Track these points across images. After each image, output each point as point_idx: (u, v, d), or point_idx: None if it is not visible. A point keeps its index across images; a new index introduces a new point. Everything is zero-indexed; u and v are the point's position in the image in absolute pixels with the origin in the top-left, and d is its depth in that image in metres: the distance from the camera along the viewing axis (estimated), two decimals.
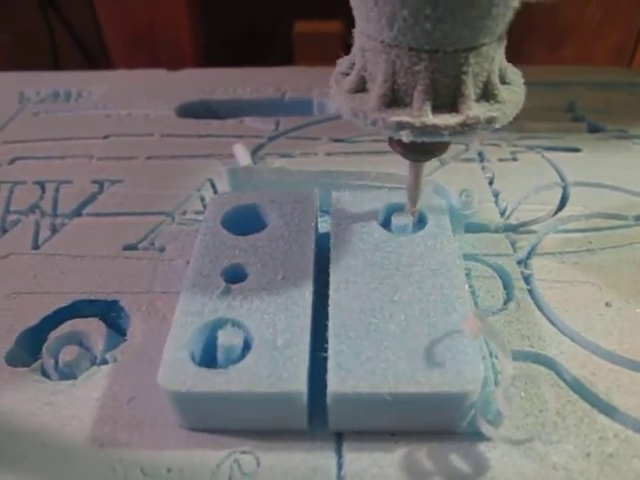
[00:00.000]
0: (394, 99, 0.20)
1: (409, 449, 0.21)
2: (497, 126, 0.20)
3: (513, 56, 0.21)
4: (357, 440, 0.21)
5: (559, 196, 0.33)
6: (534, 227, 0.31)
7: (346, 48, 0.22)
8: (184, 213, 0.33)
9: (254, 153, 0.38)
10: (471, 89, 0.20)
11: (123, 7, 0.84)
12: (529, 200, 0.33)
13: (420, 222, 0.27)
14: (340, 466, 0.20)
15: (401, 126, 0.19)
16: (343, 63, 0.22)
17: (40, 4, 0.92)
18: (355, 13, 0.20)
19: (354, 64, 0.21)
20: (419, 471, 0.20)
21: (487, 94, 0.20)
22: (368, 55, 0.20)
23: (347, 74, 0.22)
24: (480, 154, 0.37)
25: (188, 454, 0.21)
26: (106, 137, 0.41)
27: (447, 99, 0.20)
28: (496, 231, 0.31)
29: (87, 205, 0.34)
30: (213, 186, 0.35)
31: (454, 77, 0.19)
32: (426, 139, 0.20)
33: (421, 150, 0.22)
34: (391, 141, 0.22)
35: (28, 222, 0.33)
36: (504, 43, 0.20)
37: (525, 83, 0.22)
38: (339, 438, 0.21)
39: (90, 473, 0.20)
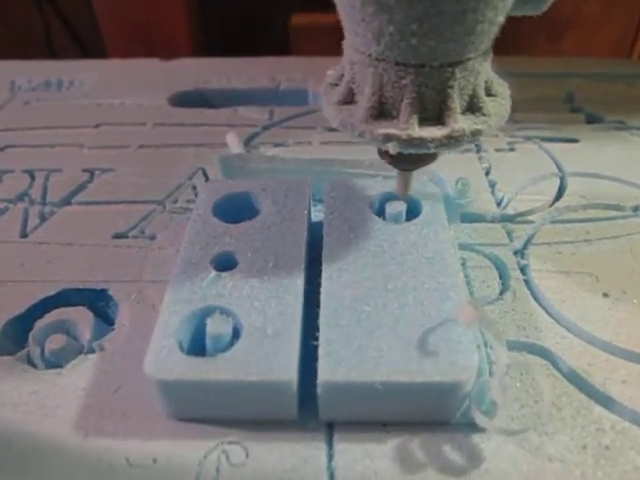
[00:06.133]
0: (381, 111, 0.20)
1: (401, 440, 0.20)
2: (482, 138, 0.21)
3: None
4: (348, 431, 0.21)
5: (556, 186, 0.33)
6: (531, 217, 0.30)
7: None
8: (175, 202, 0.32)
9: (248, 142, 0.37)
10: (457, 102, 0.20)
11: None
12: (526, 190, 0.32)
13: (415, 210, 0.27)
14: (331, 457, 0.20)
15: (388, 138, 0.20)
16: (333, 75, 0.22)
17: None
18: (344, 26, 0.20)
19: (343, 76, 0.21)
20: (411, 463, 0.20)
21: (473, 107, 0.20)
22: (356, 68, 0.20)
23: (336, 85, 0.22)
24: (477, 144, 0.37)
25: (175, 444, 0.20)
26: (97, 126, 0.40)
27: (433, 112, 0.20)
28: (492, 221, 0.30)
29: (77, 194, 0.33)
30: (205, 175, 0.34)
31: (440, 91, 0.19)
32: (413, 151, 0.20)
33: (409, 160, 0.22)
34: (380, 151, 0.22)
35: (16, 210, 0.32)
36: (490, 56, 0.20)
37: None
38: (330, 428, 0.21)
39: (75, 463, 0.20)
